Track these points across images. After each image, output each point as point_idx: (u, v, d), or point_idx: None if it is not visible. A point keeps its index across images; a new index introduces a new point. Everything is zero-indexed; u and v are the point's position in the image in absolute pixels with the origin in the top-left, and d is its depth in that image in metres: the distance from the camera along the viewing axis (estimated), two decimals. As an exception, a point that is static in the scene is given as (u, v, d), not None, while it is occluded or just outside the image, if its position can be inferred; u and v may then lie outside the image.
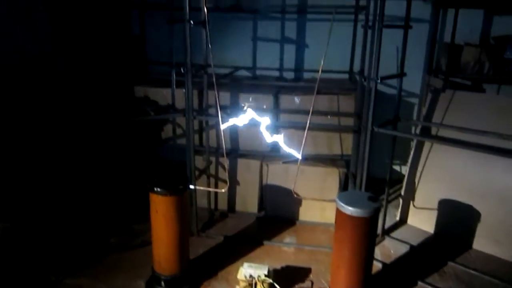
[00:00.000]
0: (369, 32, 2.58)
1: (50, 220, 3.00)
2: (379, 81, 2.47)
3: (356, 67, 3.53)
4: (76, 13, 3.35)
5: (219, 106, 2.32)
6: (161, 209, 2.23)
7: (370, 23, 2.55)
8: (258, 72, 4.03)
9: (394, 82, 3.14)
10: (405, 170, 3.89)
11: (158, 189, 2.18)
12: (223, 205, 3.43)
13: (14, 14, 2.90)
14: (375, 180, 2.87)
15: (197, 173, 3.07)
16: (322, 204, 3.21)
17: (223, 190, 2.96)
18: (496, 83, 3.53)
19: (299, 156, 2.21)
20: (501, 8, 3.47)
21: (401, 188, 3.42)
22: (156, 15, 3.87)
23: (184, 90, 2.75)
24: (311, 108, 2.21)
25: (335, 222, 2.19)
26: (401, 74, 2.67)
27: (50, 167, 3.03)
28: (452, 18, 3.37)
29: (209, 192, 3.29)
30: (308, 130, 2.23)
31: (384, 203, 3.04)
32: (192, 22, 2.51)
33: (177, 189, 2.21)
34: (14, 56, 2.88)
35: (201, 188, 2.96)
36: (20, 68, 2.87)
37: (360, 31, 3.43)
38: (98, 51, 3.54)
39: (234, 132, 3.32)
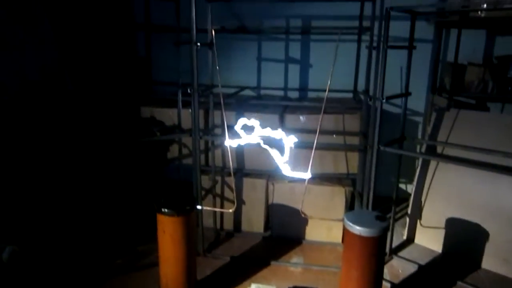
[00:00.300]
0: (374, 52, 2.62)
1: (56, 241, 2.99)
2: (384, 100, 2.49)
3: (360, 86, 3.57)
4: (83, 35, 3.41)
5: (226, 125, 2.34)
6: (168, 229, 2.23)
7: (374, 44, 2.59)
8: (263, 92, 4.07)
9: (398, 101, 3.18)
10: (410, 188, 3.88)
11: (166, 210, 2.18)
12: (229, 224, 3.42)
13: (21, 36, 2.95)
14: (381, 198, 2.87)
15: (203, 192, 3.08)
16: (328, 223, 3.19)
17: (230, 211, 2.96)
18: (500, 102, 3.55)
19: (307, 176, 2.20)
20: (502, 29, 3.53)
21: (407, 206, 3.41)
22: (162, 37, 3.94)
23: (190, 110, 2.78)
24: (318, 127, 2.23)
25: (343, 242, 2.18)
26: (406, 94, 2.69)
27: (57, 187, 3.03)
28: (455, 38, 3.42)
29: (215, 211, 3.28)
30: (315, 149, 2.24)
31: (391, 222, 3.02)
32: (199, 44, 2.56)
33: (184, 210, 2.22)
34: (19, 79, 2.92)
35: (208, 208, 2.96)
36: (26, 90, 2.91)
37: (363, 51, 3.50)
38: (104, 72, 3.59)
39: (239, 151, 3.34)
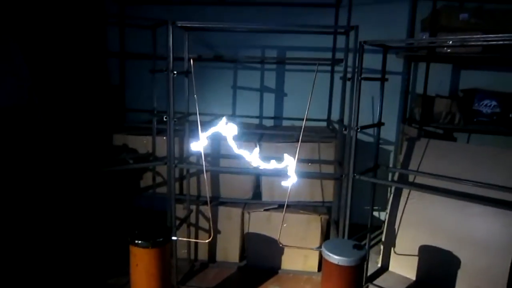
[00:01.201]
0: (347, 83, 2.69)
1: (22, 276, 2.81)
2: (359, 130, 2.54)
3: (334, 115, 3.65)
4: (55, 63, 3.35)
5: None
6: (142, 262, 2.14)
7: (348, 75, 2.67)
8: (238, 120, 4.08)
9: (370, 130, 3.26)
10: (383, 215, 3.94)
11: (140, 241, 2.10)
12: (203, 254, 3.33)
13: None
14: (354, 225, 2.89)
15: (177, 222, 3.00)
16: (304, 252, 3.17)
17: (206, 241, 2.89)
18: (467, 132, 3.71)
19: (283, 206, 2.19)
20: (466, 64, 3.73)
21: (381, 233, 3.44)
22: (137, 64, 3.92)
23: (164, 138, 2.74)
24: (296, 156, 2.24)
25: (322, 271, 2.16)
26: (379, 124, 2.77)
27: (24, 218, 2.88)
28: (423, 71, 3.58)
29: (189, 241, 3.20)
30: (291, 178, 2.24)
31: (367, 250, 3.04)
32: (175, 72, 2.55)
33: (159, 241, 2.14)
34: None
35: (184, 239, 2.87)
36: None
37: (336, 81, 3.60)
38: (76, 100, 3.51)
39: (215, 179, 3.30)
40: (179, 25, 2.51)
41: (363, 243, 3.05)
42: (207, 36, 3.91)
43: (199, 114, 3.84)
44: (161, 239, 2.16)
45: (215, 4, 3.82)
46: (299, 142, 2.20)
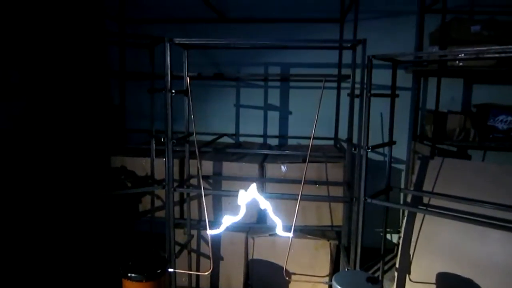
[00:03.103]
0: (356, 99, 2.54)
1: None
2: (369, 150, 2.37)
3: (341, 133, 3.49)
4: (54, 84, 3.24)
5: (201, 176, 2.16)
6: (135, 297, 1.97)
7: (356, 91, 2.52)
8: (241, 139, 3.94)
9: (379, 149, 3.09)
10: (395, 238, 3.74)
11: (133, 275, 1.93)
12: (205, 282, 3.15)
13: None
14: (364, 249, 2.71)
15: (177, 248, 2.82)
16: (312, 279, 2.97)
17: (206, 273, 2.71)
18: (482, 150, 3.52)
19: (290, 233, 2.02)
20: (479, 78, 3.57)
21: (393, 258, 3.23)
22: (137, 84, 3.82)
23: (164, 159, 2.60)
24: (303, 178, 2.08)
25: (332, 307, 1.97)
26: (390, 143, 2.60)
27: (18, 240, 2.73)
28: (432, 86, 3.43)
29: (190, 269, 3.02)
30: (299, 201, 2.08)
31: (381, 278, 2.84)
32: (173, 91, 2.42)
33: (154, 274, 1.97)
34: None
35: (181, 271, 2.68)
36: None
37: (343, 98, 3.46)
38: (75, 122, 3.39)
39: (217, 202, 3.14)
40: (177, 42, 2.38)
41: (376, 273, 2.87)
42: (208, 55, 3.80)
43: (201, 133, 3.76)
44: (156, 272, 1.98)
45: (216, 22, 3.73)
46: (306, 163, 2.04)
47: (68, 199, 2.97)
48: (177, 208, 3.21)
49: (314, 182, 3.00)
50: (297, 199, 2.10)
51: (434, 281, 2.86)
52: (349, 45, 2.70)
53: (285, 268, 2.14)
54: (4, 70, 2.87)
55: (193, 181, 3.01)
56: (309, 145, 2.11)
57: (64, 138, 3.26)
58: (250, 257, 3.08)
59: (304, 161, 2.12)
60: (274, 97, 3.92)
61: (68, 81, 3.37)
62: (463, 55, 2.69)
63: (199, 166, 2.26)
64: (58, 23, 3.20)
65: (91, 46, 3.77)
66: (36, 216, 2.84)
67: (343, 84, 3.54)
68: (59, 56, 3.25)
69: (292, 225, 2.03)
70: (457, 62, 3.11)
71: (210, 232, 2.09)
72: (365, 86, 2.36)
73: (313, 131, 2.05)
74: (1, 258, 2.62)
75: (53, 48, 3.19)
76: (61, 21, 3.24)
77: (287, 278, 2.14)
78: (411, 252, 3.02)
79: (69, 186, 2.97)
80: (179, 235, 2.98)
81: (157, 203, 3.18)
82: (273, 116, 3.93)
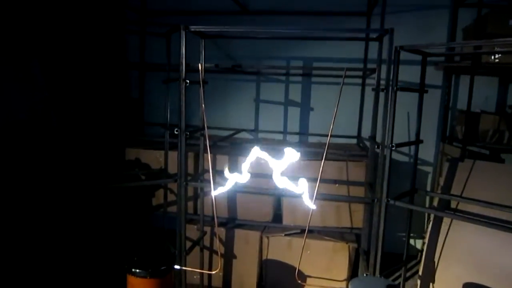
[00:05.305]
0: (380, 95, 2.38)
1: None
2: (394, 148, 2.21)
3: (364, 131, 3.32)
4: (73, 75, 3.22)
5: (215, 171, 2.06)
6: (139, 294, 1.88)
7: (381, 86, 2.36)
8: (260, 135, 3.83)
9: (405, 148, 2.91)
10: (419, 244, 3.55)
11: (137, 270, 1.84)
12: (217, 281, 3.06)
13: (10, 76, 2.76)
14: (385, 254, 2.55)
15: (189, 244, 2.73)
16: (329, 283, 2.83)
17: (213, 272, 2.61)
18: (517, 153, 3.29)
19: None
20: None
21: (416, 265, 3.05)
22: (156, 76, 3.76)
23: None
24: (319, 176, 1.95)
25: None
26: (417, 141, 2.43)
27: (30, 231, 2.70)
28: (464, 85, 3.22)
29: (202, 266, 2.92)
30: (315, 200, 1.94)
31: (401, 284, 2.67)
32: (187, 81, 2.33)
33: (159, 271, 1.88)
34: (6, 118, 2.69)
35: (188, 269, 2.57)
36: (13, 130, 2.67)
37: (368, 95, 3.28)
38: (94, 113, 3.36)
39: (232, 199, 3.03)
40: (193, 29, 2.29)
41: (397, 281, 2.70)
42: (228, 46, 3.70)
43: (219, 128, 3.66)
44: (161, 268, 1.89)
45: (238, 14, 3.62)
46: (323, 160, 1.90)
47: (81, 190, 2.93)
48: (191, 204, 3.13)
49: (334, 181, 2.85)
50: (313, 198, 1.96)
51: (460, 291, 2.67)
52: (375, 35, 2.53)
53: (298, 269, 2.01)
54: (25, 60, 2.85)
55: (207, 176, 2.91)
56: (331, 143, 1.98)
57: (82, 130, 3.23)
58: (264, 257, 2.98)
59: (325, 159, 1.98)
60: (295, 93, 3.78)
61: (88, 72, 3.34)
62: (498, 48, 2.48)
63: (210, 160, 2.16)
64: (79, 13, 3.17)
65: (112, 37, 3.74)
66: (50, 206, 2.81)
67: (368, 81, 3.37)
68: (79, 46, 3.22)
69: (307, 225, 1.89)
70: (492, 58, 2.89)
71: (217, 228, 1.95)
72: (391, 80, 2.20)
73: (331, 127, 1.91)
74: (13, 245, 2.60)
75: (74, 38, 3.16)
76: (81, 11, 3.21)
77: (299, 281, 2.00)
78: (436, 260, 2.84)
79: (83, 178, 2.93)
80: (192, 231, 2.90)
81: (171, 197, 3.10)
82: (294, 112, 3.79)
